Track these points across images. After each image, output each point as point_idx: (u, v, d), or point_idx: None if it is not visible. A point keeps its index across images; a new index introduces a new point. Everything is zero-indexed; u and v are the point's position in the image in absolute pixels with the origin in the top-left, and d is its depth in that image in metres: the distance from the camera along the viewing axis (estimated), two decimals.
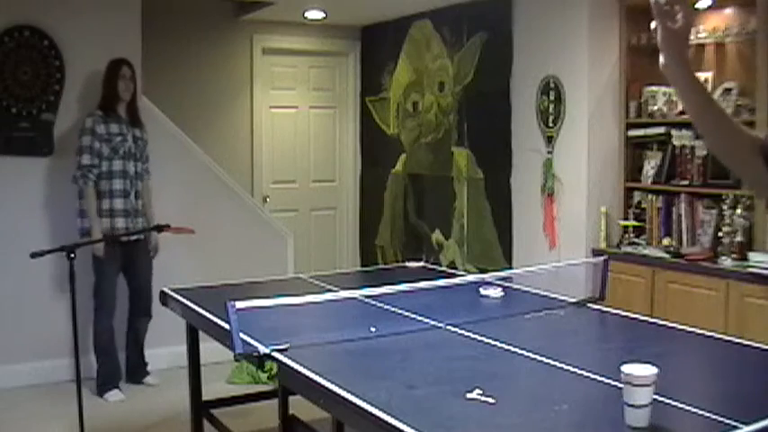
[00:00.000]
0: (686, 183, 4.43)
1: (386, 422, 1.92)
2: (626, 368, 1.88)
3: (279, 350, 2.54)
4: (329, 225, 7.20)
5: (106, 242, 4.56)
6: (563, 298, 3.38)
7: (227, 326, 2.54)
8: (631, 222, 4.71)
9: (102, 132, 4.58)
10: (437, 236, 6.13)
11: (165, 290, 3.66)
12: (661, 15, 1.38)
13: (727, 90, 4.28)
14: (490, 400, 2.06)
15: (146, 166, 4.83)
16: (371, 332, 2.82)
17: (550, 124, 5.01)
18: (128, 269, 4.76)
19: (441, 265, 5.41)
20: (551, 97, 5.00)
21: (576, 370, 2.33)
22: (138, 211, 4.71)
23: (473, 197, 5.74)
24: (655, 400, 1.87)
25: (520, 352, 2.56)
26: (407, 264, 4.42)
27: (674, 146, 4.51)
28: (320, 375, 2.29)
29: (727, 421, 1.85)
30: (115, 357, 4.75)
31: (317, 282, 3.93)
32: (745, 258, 3.97)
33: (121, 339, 4.83)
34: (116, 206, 4.60)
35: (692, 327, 2.83)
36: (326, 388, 2.21)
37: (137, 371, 4.88)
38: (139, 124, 4.78)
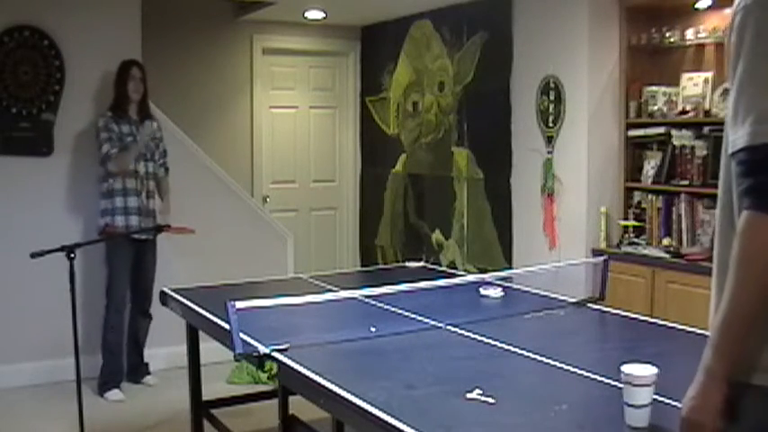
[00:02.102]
0: (686, 183, 4.43)
1: (386, 422, 1.92)
2: (626, 368, 1.88)
3: (279, 350, 2.55)
4: (329, 225, 7.20)
5: (110, 241, 4.59)
6: (563, 298, 3.38)
7: (227, 326, 2.54)
8: (631, 222, 4.71)
9: (115, 130, 4.62)
10: (437, 236, 6.13)
11: (165, 290, 3.66)
12: None
13: (727, 90, 4.27)
14: (490, 400, 2.06)
15: (162, 162, 4.85)
16: (371, 332, 2.82)
17: (550, 124, 5.01)
18: (135, 269, 4.76)
19: (441, 265, 5.41)
20: (551, 97, 5.00)
21: (576, 370, 2.34)
22: (150, 211, 4.73)
23: (473, 197, 5.74)
24: (655, 400, 1.88)
25: (520, 352, 2.56)
26: (407, 264, 4.42)
27: (674, 146, 4.51)
28: (320, 375, 2.29)
29: None
30: (120, 357, 4.77)
31: (317, 282, 3.93)
32: None
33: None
34: (130, 204, 4.64)
35: (692, 327, 2.83)
36: (326, 388, 2.21)
37: (137, 371, 4.89)
38: (149, 121, 4.79)
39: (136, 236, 4.66)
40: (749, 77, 1.40)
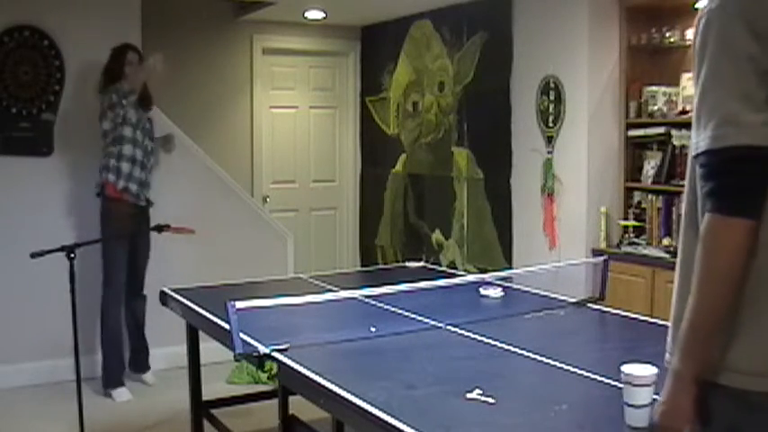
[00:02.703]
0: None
1: (386, 422, 1.92)
2: (626, 368, 1.88)
3: (279, 350, 2.55)
4: (329, 225, 7.20)
5: (110, 240, 4.61)
6: (563, 298, 3.38)
7: (227, 326, 2.55)
8: (631, 222, 4.71)
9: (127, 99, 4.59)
10: (437, 236, 6.13)
11: (165, 290, 3.66)
12: None
13: None
14: (490, 400, 2.06)
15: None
16: (371, 332, 2.82)
17: (550, 124, 5.01)
18: (129, 250, 4.75)
19: (441, 265, 5.41)
20: (551, 97, 5.00)
21: (576, 370, 2.34)
22: (148, 183, 4.78)
23: (473, 197, 5.74)
24: (655, 400, 1.87)
25: (520, 352, 2.56)
26: (407, 264, 4.42)
27: (674, 146, 4.51)
28: (320, 375, 2.29)
29: None
30: (121, 349, 4.76)
31: (316, 282, 3.93)
32: None
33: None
34: (135, 174, 4.67)
35: None
36: (326, 388, 2.21)
37: (139, 359, 4.88)
38: (150, 108, 4.82)
39: (135, 201, 4.67)
40: (712, 81, 1.41)
